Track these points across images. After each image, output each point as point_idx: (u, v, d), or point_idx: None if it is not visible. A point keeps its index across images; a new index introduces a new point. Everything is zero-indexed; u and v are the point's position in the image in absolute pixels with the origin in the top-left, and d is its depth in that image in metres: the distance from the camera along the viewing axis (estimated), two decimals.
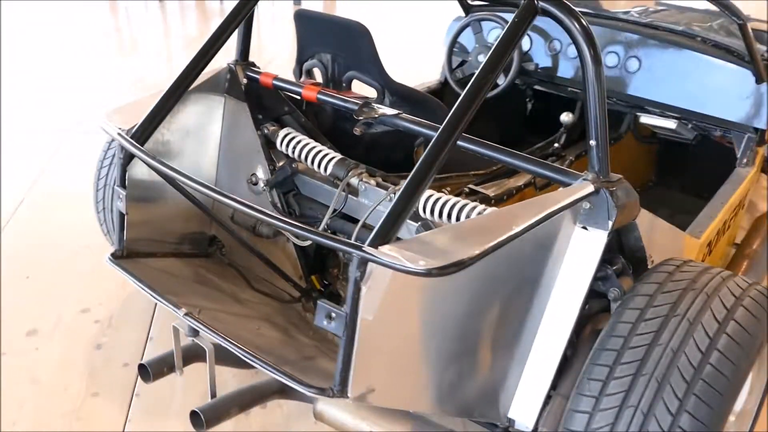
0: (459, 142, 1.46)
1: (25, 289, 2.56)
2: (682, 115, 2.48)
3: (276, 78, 1.99)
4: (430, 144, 1.34)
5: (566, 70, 2.68)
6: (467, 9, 2.92)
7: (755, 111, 2.35)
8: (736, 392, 1.30)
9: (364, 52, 2.00)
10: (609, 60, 2.60)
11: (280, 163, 2.03)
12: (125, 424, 1.97)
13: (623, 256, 1.58)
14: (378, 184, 1.86)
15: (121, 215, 1.74)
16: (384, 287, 1.23)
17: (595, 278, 1.49)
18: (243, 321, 1.70)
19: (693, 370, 1.26)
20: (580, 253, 1.46)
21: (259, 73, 2.01)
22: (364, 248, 1.21)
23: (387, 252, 1.20)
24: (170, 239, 2.00)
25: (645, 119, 2.59)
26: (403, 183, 1.32)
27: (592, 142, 1.44)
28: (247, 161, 2.06)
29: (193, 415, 1.51)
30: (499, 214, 1.43)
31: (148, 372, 1.62)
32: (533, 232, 1.36)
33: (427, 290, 1.30)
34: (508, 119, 3.09)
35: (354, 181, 1.87)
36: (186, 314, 1.50)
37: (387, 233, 1.26)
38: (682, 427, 1.24)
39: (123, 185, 1.72)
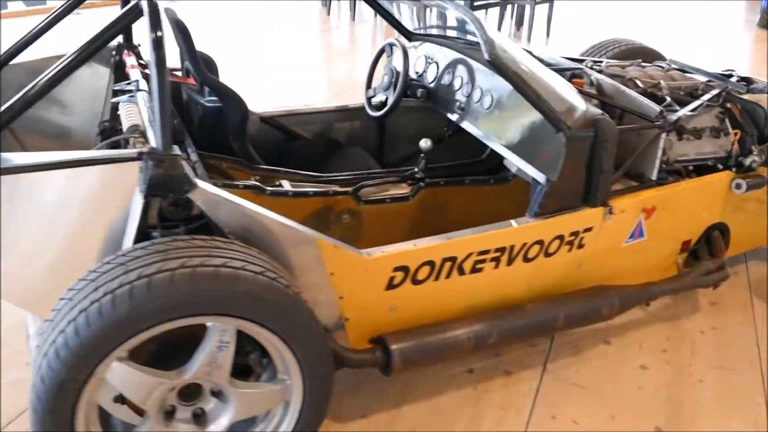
0: None
1: None
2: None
3: (128, 58, 2.56)
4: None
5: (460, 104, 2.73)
6: (407, 36, 3.12)
7: (549, 161, 2.22)
8: (104, 337, 1.50)
9: (187, 48, 2.45)
10: (475, 95, 2.61)
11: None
12: None
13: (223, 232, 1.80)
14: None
15: None
16: None
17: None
18: None
19: (88, 303, 1.51)
20: (134, 209, 1.75)
21: (124, 52, 2.59)
22: None
23: None
24: None
25: (506, 161, 2.55)
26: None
27: (151, 122, 1.73)
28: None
29: None
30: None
31: None
32: (90, 177, 1.71)
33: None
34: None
35: (132, 141, 2.33)
36: None
37: None
38: (57, 345, 1.50)
39: None
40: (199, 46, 2.52)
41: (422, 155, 2.77)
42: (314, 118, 3.14)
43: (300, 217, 2.53)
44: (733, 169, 2.71)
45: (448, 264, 2.13)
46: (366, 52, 6.60)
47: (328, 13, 8.13)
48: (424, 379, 2.33)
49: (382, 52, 3.00)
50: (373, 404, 2.22)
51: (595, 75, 2.78)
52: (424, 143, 2.75)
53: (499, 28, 7.37)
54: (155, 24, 1.70)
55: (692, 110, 2.64)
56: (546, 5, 7.25)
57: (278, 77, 5.51)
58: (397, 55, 2.92)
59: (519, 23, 7.58)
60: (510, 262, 2.24)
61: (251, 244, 1.82)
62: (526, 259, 2.27)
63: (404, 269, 2.06)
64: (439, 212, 2.79)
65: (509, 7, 7.84)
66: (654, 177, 2.52)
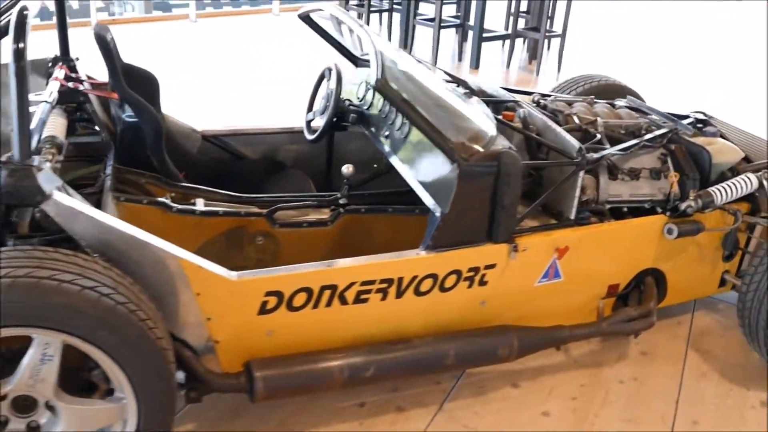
0: None
1: None
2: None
3: (57, 71, 2.61)
4: None
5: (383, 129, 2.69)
6: (354, 62, 3.11)
7: (442, 192, 2.15)
8: None
9: (109, 63, 2.49)
10: (398, 122, 2.56)
11: None
12: None
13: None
14: (56, 162, 2.32)
15: None
16: None
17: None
18: None
19: None
20: None
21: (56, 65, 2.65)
22: None
23: None
24: None
25: None
26: None
27: (11, 131, 1.75)
28: None
29: None
30: None
31: None
32: None
33: None
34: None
35: (43, 150, 2.36)
36: None
37: None
38: None
39: None
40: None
41: (345, 181, 2.74)
42: (261, 139, 3.14)
43: (209, 236, 2.52)
44: (667, 213, 2.60)
45: (327, 292, 2.08)
46: None
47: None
48: (311, 409, 2.27)
49: (323, 77, 3.00)
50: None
51: (527, 109, 2.71)
52: (346, 169, 2.71)
53: (509, 61, 7.30)
54: (18, 35, 1.72)
55: (622, 150, 2.54)
56: (558, 39, 7.16)
57: (290, 99, 5.56)
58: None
59: (533, 56, 7.50)
60: (399, 294, 2.17)
61: (111, 258, 1.81)
62: (419, 293, 2.20)
63: (278, 294, 2.02)
64: (361, 240, 2.74)
65: (526, 40, 7.79)
66: (572, 216, 2.42)
